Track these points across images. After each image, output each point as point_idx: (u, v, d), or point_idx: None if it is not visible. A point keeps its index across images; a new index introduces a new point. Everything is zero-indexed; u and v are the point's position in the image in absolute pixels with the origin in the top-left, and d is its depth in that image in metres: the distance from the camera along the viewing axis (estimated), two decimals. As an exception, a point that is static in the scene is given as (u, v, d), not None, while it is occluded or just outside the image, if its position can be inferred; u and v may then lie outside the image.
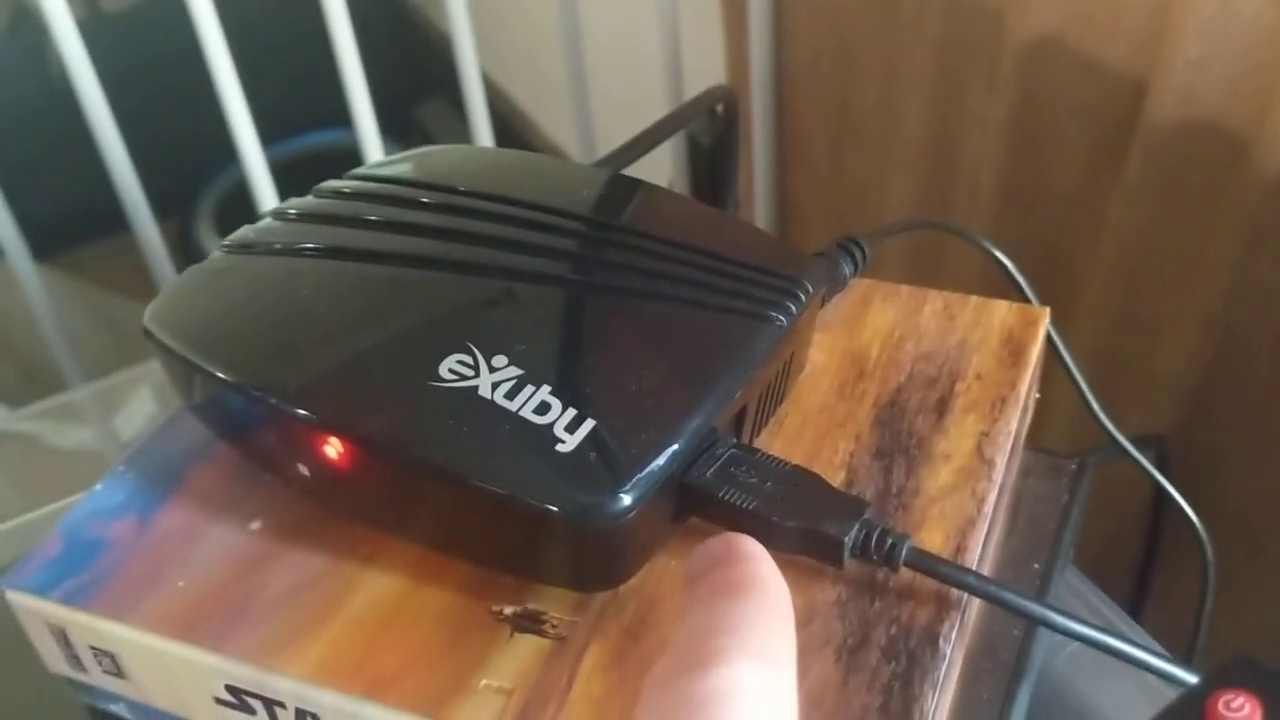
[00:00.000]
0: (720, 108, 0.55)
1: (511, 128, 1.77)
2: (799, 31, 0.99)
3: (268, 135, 0.96)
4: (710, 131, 1.17)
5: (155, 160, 1.08)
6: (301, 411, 0.33)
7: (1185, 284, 0.71)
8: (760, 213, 1.09)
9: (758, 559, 0.27)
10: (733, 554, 0.27)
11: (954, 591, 0.33)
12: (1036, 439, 0.45)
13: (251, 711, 0.35)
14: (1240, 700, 0.26)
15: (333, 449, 0.33)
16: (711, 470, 0.33)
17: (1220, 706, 0.26)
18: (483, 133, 1.05)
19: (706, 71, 1.11)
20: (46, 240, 1.29)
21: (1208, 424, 0.72)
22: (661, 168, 1.10)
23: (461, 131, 1.10)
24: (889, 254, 0.93)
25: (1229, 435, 0.71)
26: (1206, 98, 0.66)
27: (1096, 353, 0.77)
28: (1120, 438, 0.49)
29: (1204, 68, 0.65)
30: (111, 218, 0.96)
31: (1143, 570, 0.69)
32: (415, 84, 1.81)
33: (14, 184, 0.94)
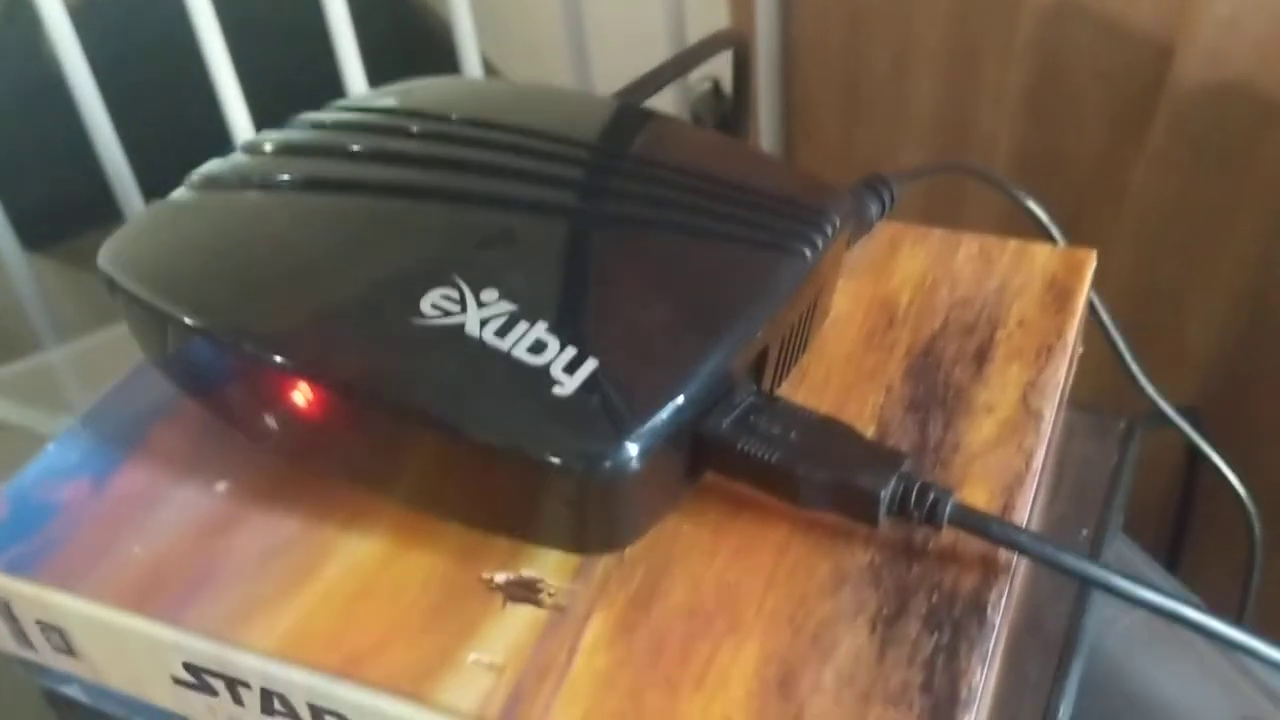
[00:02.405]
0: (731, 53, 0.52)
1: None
2: (806, 1, 0.95)
3: (267, 121, 0.92)
4: (715, 110, 1.13)
5: (152, 146, 1.05)
6: (264, 354, 0.30)
7: (1213, 254, 0.68)
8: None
9: None
10: None
11: (1002, 555, 0.30)
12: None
13: (213, 693, 0.31)
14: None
15: (301, 395, 0.29)
16: (729, 420, 0.30)
17: None
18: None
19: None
20: (42, 229, 1.25)
21: (1238, 398, 0.68)
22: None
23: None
24: (903, 210, 0.90)
25: (1261, 410, 0.68)
26: (1237, 59, 0.63)
27: (1121, 324, 0.73)
28: (1163, 404, 0.46)
29: (1234, 27, 0.62)
30: (109, 206, 0.93)
31: (1173, 545, 0.65)
32: (416, 72, 1.78)
33: (10, 172, 0.91)
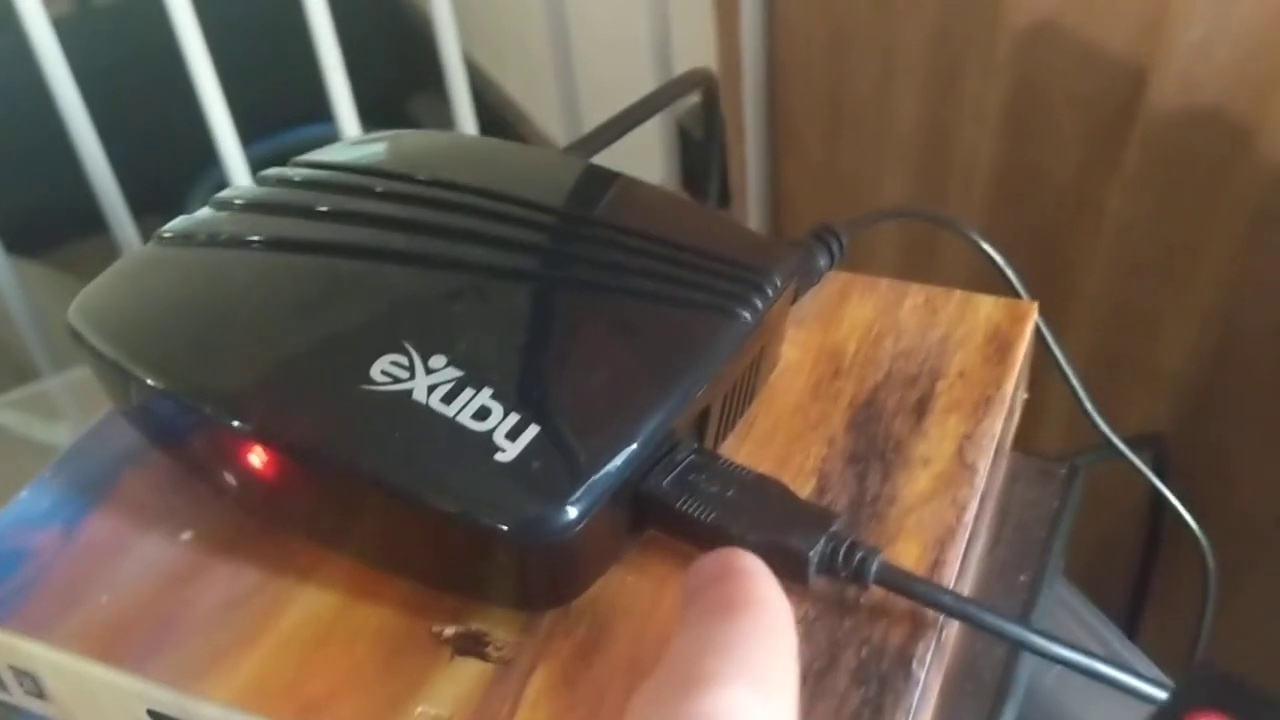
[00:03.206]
0: (700, 92, 0.53)
1: (504, 120, 1.74)
2: (791, 19, 0.96)
3: (261, 129, 0.93)
4: (703, 125, 1.14)
5: (144, 155, 1.06)
6: (223, 418, 0.31)
7: (1186, 277, 0.68)
8: (752, 205, 1.06)
9: (755, 574, 0.26)
10: (729, 571, 0.26)
11: (931, 611, 0.31)
12: (1029, 441, 0.43)
13: (177, 737, 0.33)
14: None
15: (257, 458, 0.31)
16: (669, 478, 0.31)
17: None
18: (467, 122, 1.03)
19: (697, 62, 1.08)
20: (37, 236, 1.26)
21: (1209, 422, 0.69)
22: (652, 163, 1.07)
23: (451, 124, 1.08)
24: (879, 248, 0.91)
25: (1231, 433, 0.69)
26: (1209, 83, 0.63)
27: (1093, 348, 0.74)
28: (1114, 438, 0.46)
29: (1206, 52, 0.63)
30: (99, 214, 0.94)
31: (1139, 577, 0.66)
32: (407, 77, 1.79)
33: (3, 178, 0.92)
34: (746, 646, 0.24)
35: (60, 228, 1.44)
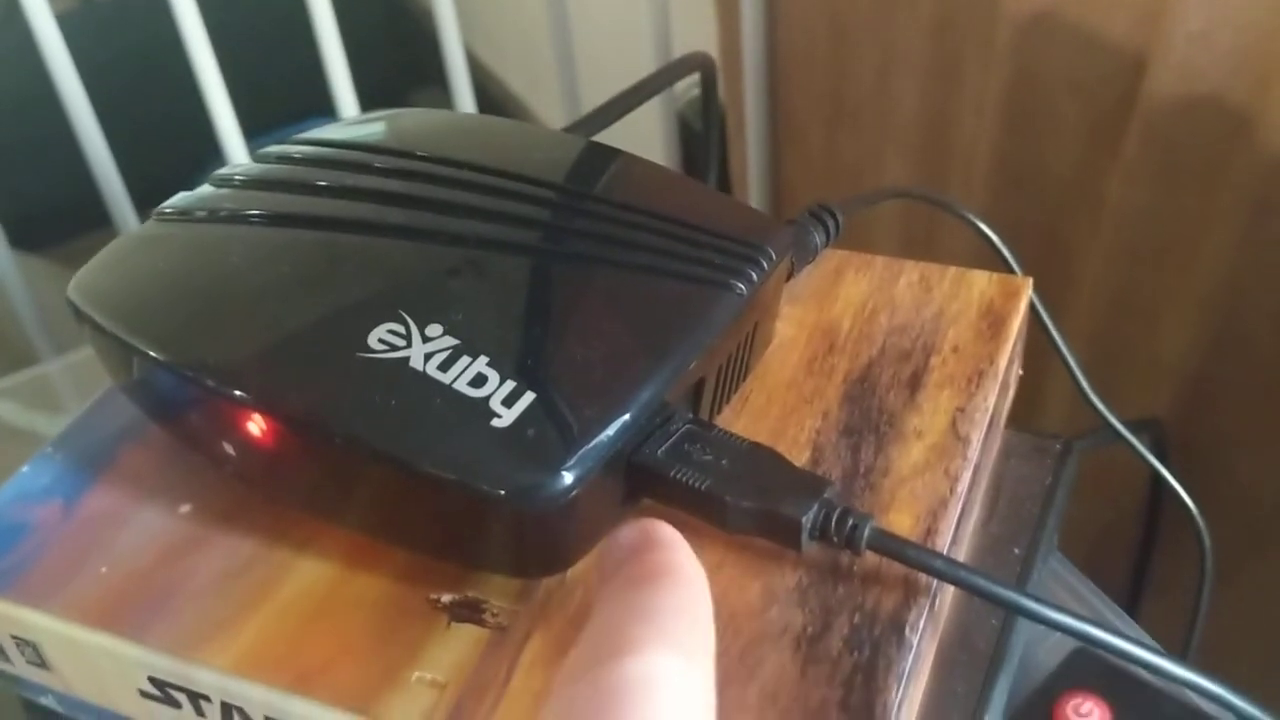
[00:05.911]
0: (699, 76, 0.53)
1: (505, 113, 1.75)
2: (792, 11, 0.96)
3: (263, 123, 0.93)
4: (703, 114, 1.14)
5: (147, 148, 1.06)
6: (221, 387, 0.31)
7: (1186, 264, 0.69)
8: (753, 196, 1.07)
9: (673, 546, 0.27)
10: (647, 542, 0.27)
11: (923, 577, 0.31)
12: (1030, 427, 0.43)
13: (177, 705, 0.33)
14: (1089, 705, 0.24)
15: (255, 426, 0.31)
16: (663, 448, 0.31)
17: (1069, 711, 0.24)
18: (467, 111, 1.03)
19: (699, 53, 1.08)
20: (41, 231, 1.27)
21: (1207, 408, 0.69)
22: (653, 154, 1.07)
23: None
24: (879, 232, 0.91)
25: (1229, 419, 0.69)
26: (1208, 72, 0.64)
27: (1094, 335, 0.74)
28: (1112, 419, 0.47)
29: (1206, 41, 0.63)
30: (104, 209, 0.94)
31: (1139, 561, 0.66)
32: (409, 71, 1.79)
33: (7, 174, 0.92)
34: (667, 614, 0.24)
35: (63, 222, 1.45)
